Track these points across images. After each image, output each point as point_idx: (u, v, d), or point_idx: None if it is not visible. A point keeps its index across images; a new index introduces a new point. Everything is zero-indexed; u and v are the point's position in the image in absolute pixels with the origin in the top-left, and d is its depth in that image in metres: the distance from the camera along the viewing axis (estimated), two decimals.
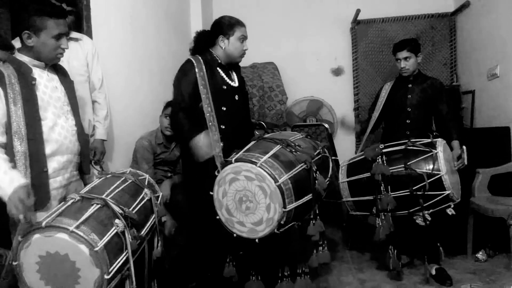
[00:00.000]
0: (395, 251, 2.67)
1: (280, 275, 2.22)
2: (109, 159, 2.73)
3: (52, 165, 1.78)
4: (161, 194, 2.09)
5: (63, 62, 2.09)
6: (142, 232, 1.76)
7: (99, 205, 1.61)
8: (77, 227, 1.48)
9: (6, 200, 1.53)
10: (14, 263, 1.50)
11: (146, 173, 2.68)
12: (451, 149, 2.76)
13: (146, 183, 2.00)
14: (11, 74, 1.69)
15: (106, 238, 1.52)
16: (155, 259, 1.91)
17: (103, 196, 1.67)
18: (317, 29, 4.56)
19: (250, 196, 1.91)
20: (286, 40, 4.58)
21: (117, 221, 1.60)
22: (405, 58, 2.94)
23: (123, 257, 1.58)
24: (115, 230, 1.57)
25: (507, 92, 3.35)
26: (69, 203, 1.61)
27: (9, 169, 1.59)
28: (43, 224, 1.48)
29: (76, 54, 2.43)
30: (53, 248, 1.47)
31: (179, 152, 2.96)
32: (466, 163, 2.72)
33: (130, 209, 1.72)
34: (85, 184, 1.96)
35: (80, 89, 2.30)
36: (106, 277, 1.47)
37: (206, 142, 2.20)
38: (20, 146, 1.66)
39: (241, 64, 2.59)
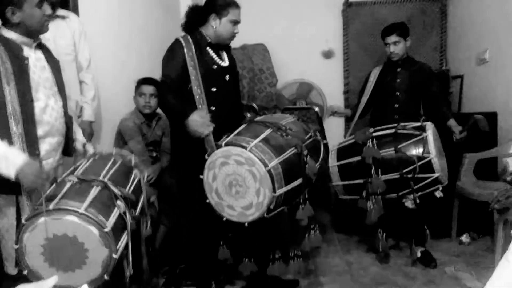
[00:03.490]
0: (384, 234, 2.72)
1: (271, 257, 2.25)
2: (97, 139, 2.69)
3: (44, 147, 1.75)
4: (146, 174, 2.09)
5: (49, 41, 2.03)
6: (136, 213, 1.77)
7: (99, 187, 1.61)
8: (85, 209, 1.48)
9: (15, 171, 1.51)
10: (16, 247, 1.49)
11: (139, 153, 2.69)
12: (449, 128, 2.83)
13: (132, 164, 1.98)
14: (1, 52, 1.63)
15: (112, 219, 1.54)
16: (144, 239, 1.91)
17: (101, 178, 1.66)
18: (309, 11, 4.49)
19: (240, 180, 1.91)
20: (277, 22, 4.51)
21: (118, 202, 1.61)
22: (394, 43, 2.93)
23: (124, 237, 1.61)
24: (118, 211, 1.59)
25: (495, 77, 3.38)
26: (68, 185, 1.59)
27: (10, 146, 1.58)
28: (51, 206, 1.47)
29: (62, 32, 2.36)
30: (60, 230, 1.47)
31: (161, 131, 2.93)
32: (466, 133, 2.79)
33: (126, 190, 1.73)
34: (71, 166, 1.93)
35: (66, 68, 2.23)
36: (114, 256, 1.50)
37: (203, 116, 2.12)
38: (16, 128, 1.62)
39: (231, 45, 2.54)
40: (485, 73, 3.53)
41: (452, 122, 2.87)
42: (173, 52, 2.28)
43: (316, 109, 4.04)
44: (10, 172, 1.53)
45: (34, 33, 1.75)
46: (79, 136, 2.06)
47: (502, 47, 3.29)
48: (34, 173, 1.54)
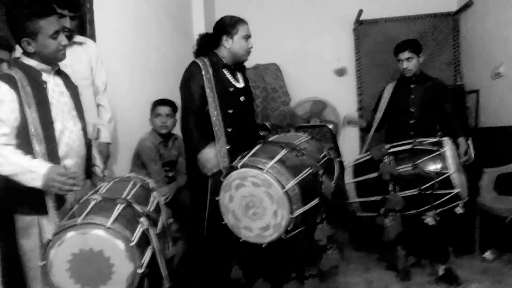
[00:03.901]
0: (404, 251, 2.66)
1: (286, 277, 2.22)
2: (113, 161, 2.73)
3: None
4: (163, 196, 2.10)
5: (67, 67, 2.09)
6: (157, 231, 1.77)
7: (123, 205, 1.63)
8: (112, 223, 1.50)
9: (42, 180, 1.58)
10: (41, 263, 1.50)
11: (156, 173, 2.75)
12: (457, 146, 2.76)
13: (150, 187, 2.00)
14: (21, 78, 1.69)
15: (137, 234, 1.56)
16: (167, 258, 1.92)
17: (124, 197, 1.69)
18: (320, 30, 4.54)
19: (257, 202, 1.89)
20: (289, 41, 4.56)
21: (142, 219, 1.63)
22: (407, 59, 2.93)
23: (148, 254, 1.61)
24: (142, 228, 1.61)
25: None
26: (92, 203, 1.62)
27: (32, 158, 1.64)
28: (78, 221, 1.49)
29: (80, 58, 2.42)
30: (87, 245, 1.48)
31: (177, 151, 2.96)
32: (473, 157, 2.72)
33: (147, 209, 1.75)
34: (91, 188, 1.96)
35: (84, 93, 2.29)
36: (139, 271, 1.51)
37: (213, 155, 2.19)
38: (39, 148, 1.68)
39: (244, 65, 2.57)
40: (501, 87, 3.50)
41: (460, 141, 2.81)
42: (192, 75, 2.30)
43: (330, 126, 4.03)
44: (36, 182, 1.58)
45: (51, 61, 1.81)
46: (97, 162, 2.10)
47: None
48: (61, 175, 1.59)
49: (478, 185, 3.12)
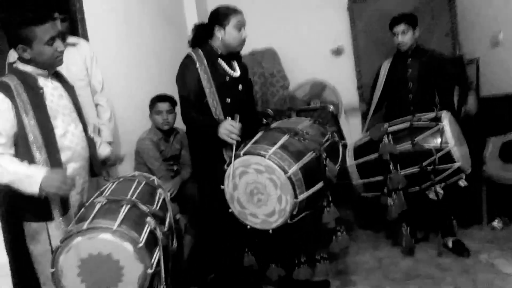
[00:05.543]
0: (408, 228, 2.67)
1: (296, 261, 2.24)
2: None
3: (68, 172, 1.80)
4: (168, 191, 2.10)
5: (62, 69, 2.08)
6: (165, 229, 1.80)
7: (129, 206, 1.65)
8: (118, 226, 1.52)
9: (40, 186, 1.58)
10: (52, 270, 1.52)
11: (158, 170, 2.77)
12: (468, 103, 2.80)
13: (156, 184, 2.02)
14: (17, 84, 1.69)
15: (144, 235, 1.57)
16: (172, 254, 1.94)
17: (129, 197, 1.70)
18: (314, 11, 4.47)
19: (261, 188, 1.91)
20: (284, 25, 4.50)
21: (148, 219, 1.65)
22: (402, 32, 2.89)
23: (157, 253, 1.63)
24: (149, 228, 1.62)
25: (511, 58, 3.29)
26: (98, 206, 1.63)
27: (29, 165, 1.64)
28: (84, 226, 1.51)
29: (74, 59, 2.43)
30: (95, 249, 1.50)
31: (180, 145, 2.97)
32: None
33: (153, 208, 1.77)
34: (98, 188, 1.98)
35: (81, 94, 2.31)
36: (149, 271, 1.53)
37: (230, 127, 2.12)
38: (40, 155, 1.68)
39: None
40: (500, 54, 3.45)
41: (470, 97, 2.86)
42: (187, 68, 2.29)
43: (331, 108, 4.02)
44: (34, 188, 1.59)
45: (47, 67, 1.81)
46: (103, 150, 2.13)
47: None
48: (58, 179, 1.60)
49: (482, 155, 3.11)
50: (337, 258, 2.83)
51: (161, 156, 2.86)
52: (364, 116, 3.74)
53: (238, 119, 2.15)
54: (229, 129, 2.09)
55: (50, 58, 1.77)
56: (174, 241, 1.95)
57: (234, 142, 2.06)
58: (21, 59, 1.77)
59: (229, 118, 2.20)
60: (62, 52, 1.81)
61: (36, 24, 1.70)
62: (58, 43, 1.77)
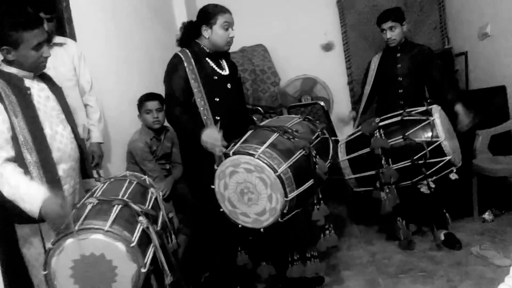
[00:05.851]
0: (404, 221, 2.69)
1: (289, 259, 2.25)
2: (107, 160, 2.73)
3: (58, 174, 1.78)
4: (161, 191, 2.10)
5: (50, 69, 2.06)
6: (158, 228, 1.80)
7: (120, 206, 1.64)
8: (110, 226, 1.51)
9: (38, 213, 1.57)
10: (44, 272, 1.51)
11: (153, 171, 2.76)
12: (456, 114, 2.75)
13: (147, 183, 2.00)
14: (4, 86, 1.67)
15: (137, 234, 1.57)
16: (171, 252, 1.93)
17: (120, 197, 1.69)
18: (303, 6, 4.48)
19: (251, 187, 1.91)
20: (274, 21, 4.50)
21: (140, 218, 1.64)
22: (390, 28, 2.90)
23: (150, 252, 1.63)
24: (141, 227, 1.62)
25: (500, 50, 3.32)
26: (89, 207, 1.62)
27: (30, 182, 1.61)
28: (76, 228, 1.49)
29: (61, 59, 2.39)
30: (88, 250, 1.49)
31: (170, 142, 2.95)
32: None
33: (145, 207, 1.76)
34: (88, 189, 1.96)
35: (70, 94, 2.28)
36: (143, 270, 1.52)
37: (217, 132, 2.07)
38: (30, 157, 1.66)
39: (230, 49, 2.53)
40: (488, 47, 3.48)
41: (459, 108, 2.75)
42: (174, 67, 2.27)
43: (322, 103, 4.02)
44: (33, 209, 1.57)
45: (30, 70, 1.78)
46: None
47: (503, 19, 3.23)
48: (57, 209, 1.56)
49: (472, 148, 3.14)
50: (330, 254, 2.84)
51: (153, 155, 2.84)
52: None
53: (219, 125, 2.13)
54: (212, 142, 2.04)
55: (35, 62, 1.75)
56: (173, 237, 1.95)
57: (221, 153, 2.01)
58: (5, 60, 1.75)
59: (212, 124, 2.17)
60: (47, 58, 1.79)
61: (25, 29, 1.68)
62: (44, 49, 1.75)
